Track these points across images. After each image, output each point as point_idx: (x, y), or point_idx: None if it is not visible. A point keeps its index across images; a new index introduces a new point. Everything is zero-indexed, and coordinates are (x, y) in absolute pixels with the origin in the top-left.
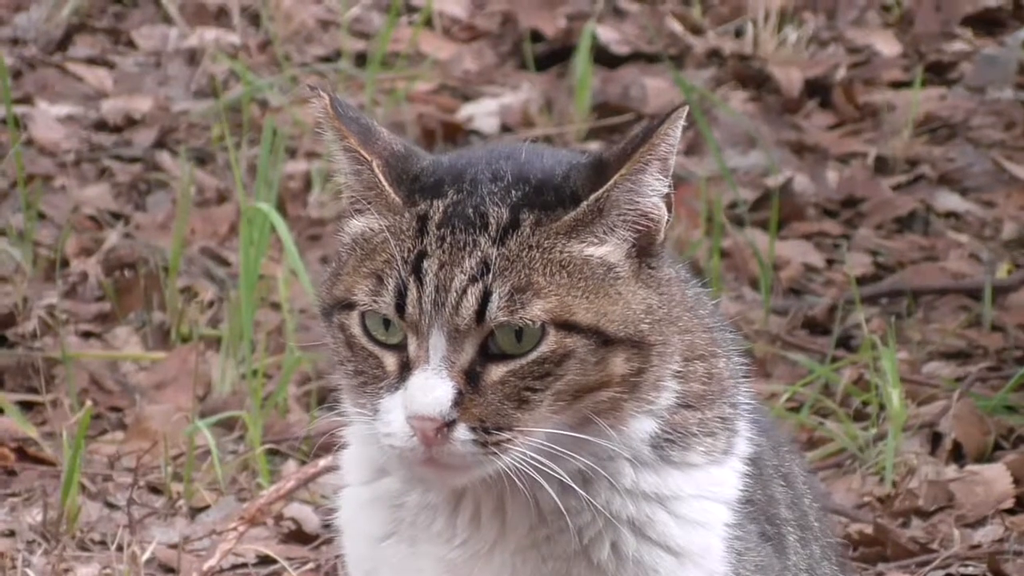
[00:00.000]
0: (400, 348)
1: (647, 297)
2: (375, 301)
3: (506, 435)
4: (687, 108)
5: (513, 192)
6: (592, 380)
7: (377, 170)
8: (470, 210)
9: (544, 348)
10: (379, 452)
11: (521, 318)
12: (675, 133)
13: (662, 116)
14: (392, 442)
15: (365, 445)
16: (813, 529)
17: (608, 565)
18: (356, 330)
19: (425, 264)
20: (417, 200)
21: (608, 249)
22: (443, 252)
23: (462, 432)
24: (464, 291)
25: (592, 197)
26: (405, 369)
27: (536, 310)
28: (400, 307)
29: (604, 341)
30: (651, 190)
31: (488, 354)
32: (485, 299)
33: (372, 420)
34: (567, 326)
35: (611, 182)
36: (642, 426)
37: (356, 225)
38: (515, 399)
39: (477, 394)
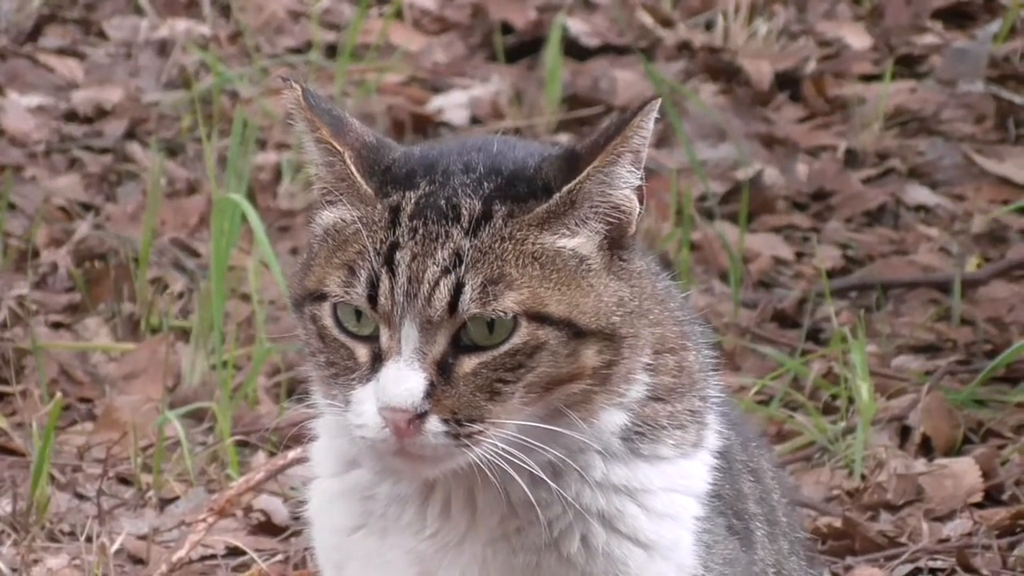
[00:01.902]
0: (372, 339)
1: (619, 289)
2: (347, 292)
3: (478, 427)
4: (659, 100)
5: (485, 184)
6: (564, 372)
7: (349, 161)
8: (442, 201)
9: (516, 340)
10: (350, 443)
11: (494, 310)
12: (648, 125)
13: (635, 108)
14: (364, 433)
15: (335, 437)
16: (781, 524)
17: (578, 558)
18: (328, 321)
19: (397, 255)
20: (389, 191)
21: (580, 241)
22: (415, 243)
23: (434, 424)
24: (437, 282)
25: (565, 189)
26: (377, 360)
27: (508, 302)
28: (372, 298)
29: (576, 333)
30: (623, 182)
31: (460, 346)
32: (458, 291)
33: (344, 411)
34: (539, 318)
35: (584, 174)
36: (612, 418)
37: (328, 216)
38: (487, 391)
39: (449, 386)
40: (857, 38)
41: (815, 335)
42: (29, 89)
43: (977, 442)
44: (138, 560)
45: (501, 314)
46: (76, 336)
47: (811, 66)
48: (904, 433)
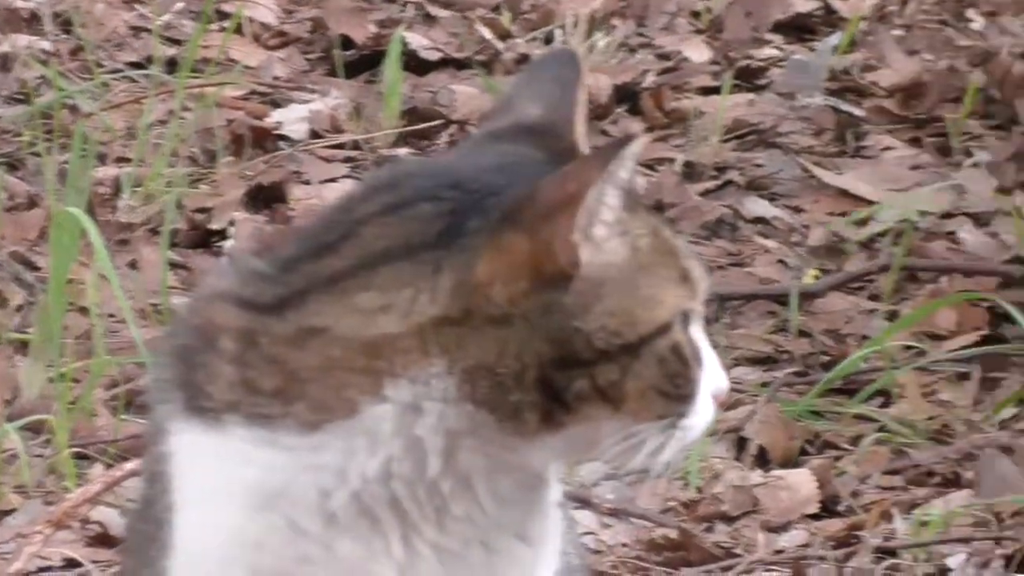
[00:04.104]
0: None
1: None
2: (690, 300)
3: None
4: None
5: None
6: None
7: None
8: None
9: None
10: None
11: None
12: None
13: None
14: (702, 426)
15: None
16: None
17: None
18: (682, 337)
19: (679, 244)
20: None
21: None
22: (670, 231)
23: None
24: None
25: None
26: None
27: None
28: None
29: None
30: None
31: None
32: None
33: (683, 421)
34: None
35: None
36: None
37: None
38: None
39: None
40: (696, 51)
41: None
42: None
43: (813, 453)
44: None
45: None
46: None
47: (650, 79)
48: (740, 444)
